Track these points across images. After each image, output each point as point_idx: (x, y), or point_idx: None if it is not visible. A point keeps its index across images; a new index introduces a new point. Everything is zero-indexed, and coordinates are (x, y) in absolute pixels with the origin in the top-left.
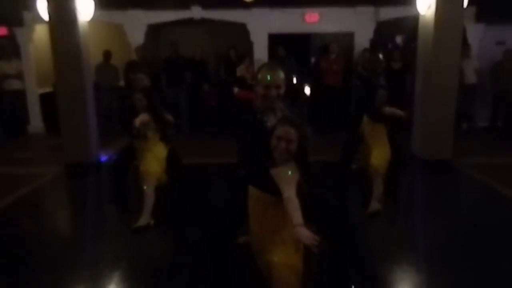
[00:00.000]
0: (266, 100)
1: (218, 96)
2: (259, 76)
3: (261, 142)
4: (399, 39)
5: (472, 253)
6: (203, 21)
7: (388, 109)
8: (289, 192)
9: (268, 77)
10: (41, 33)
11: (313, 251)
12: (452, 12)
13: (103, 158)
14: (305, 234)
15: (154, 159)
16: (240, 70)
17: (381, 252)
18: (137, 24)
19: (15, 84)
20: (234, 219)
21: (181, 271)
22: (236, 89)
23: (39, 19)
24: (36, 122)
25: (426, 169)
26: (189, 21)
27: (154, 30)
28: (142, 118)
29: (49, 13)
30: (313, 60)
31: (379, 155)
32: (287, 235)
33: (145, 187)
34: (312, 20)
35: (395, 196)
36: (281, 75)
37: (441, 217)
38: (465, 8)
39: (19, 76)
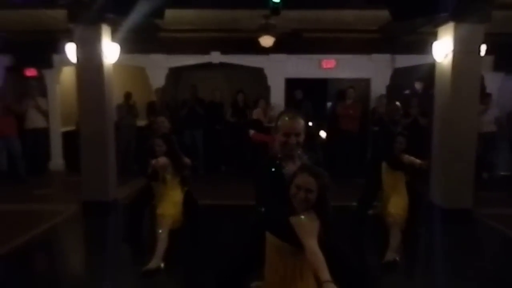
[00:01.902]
0: (286, 148)
1: (231, 136)
2: (279, 123)
3: (280, 190)
4: (418, 86)
5: None
6: (222, 65)
7: (407, 158)
8: (312, 245)
9: (289, 124)
10: (67, 74)
11: None
12: (470, 60)
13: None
14: None
15: (171, 203)
16: (257, 113)
17: None
18: (158, 67)
19: (40, 122)
20: (248, 264)
21: None
22: (251, 132)
23: (67, 61)
24: (57, 159)
25: (445, 219)
26: (209, 65)
27: (175, 73)
28: (161, 161)
29: (77, 56)
30: (329, 104)
31: (397, 203)
32: (302, 287)
33: (159, 231)
34: (329, 66)
35: (413, 246)
36: (302, 122)
37: (461, 269)
38: (483, 57)
39: (44, 114)
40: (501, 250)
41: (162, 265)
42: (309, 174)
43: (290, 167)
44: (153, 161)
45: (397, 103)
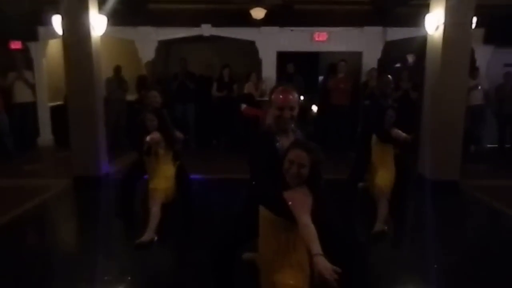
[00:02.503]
0: (280, 122)
1: (219, 111)
2: (273, 96)
3: (273, 164)
4: (410, 59)
5: (479, 276)
6: (213, 38)
7: (395, 132)
8: (305, 219)
9: (283, 98)
10: (54, 47)
11: (331, 285)
12: (460, 33)
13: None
14: (325, 266)
15: (164, 177)
16: (248, 87)
17: (387, 274)
18: (148, 40)
19: (26, 96)
20: (241, 236)
21: (184, 286)
22: (243, 106)
23: (53, 34)
24: (46, 134)
25: (433, 190)
26: (199, 38)
27: (165, 47)
28: (153, 136)
29: (63, 29)
30: (320, 78)
31: (384, 176)
32: (296, 259)
33: (152, 205)
34: (321, 39)
35: (401, 218)
36: (296, 96)
37: (448, 239)
38: (474, 30)
39: (31, 88)
40: (486, 221)
41: (155, 238)
42: (302, 149)
43: (283, 142)
44: (148, 138)
45: (389, 76)
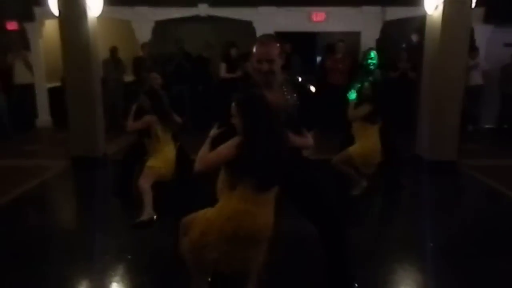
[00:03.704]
0: (260, 75)
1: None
2: (253, 49)
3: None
4: (414, 38)
5: (475, 254)
6: (210, 18)
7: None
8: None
9: (260, 50)
10: (50, 28)
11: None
12: (460, 12)
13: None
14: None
15: (164, 159)
16: (247, 67)
17: (383, 251)
18: (144, 20)
19: (26, 78)
20: None
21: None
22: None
23: (49, 14)
24: (44, 115)
25: (430, 170)
26: (196, 18)
27: (161, 27)
28: (146, 119)
29: (59, 9)
30: (318, 59)
31: (357, 148)
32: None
33: (142, 183)
34: (319, 19)
35: (393, 194)
36: (275, 48)
37: (445, 218)
38: (473, 9)
39: (30, 69)
40: (483, 201)
41: (154, 217)
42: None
43: (267, 94)
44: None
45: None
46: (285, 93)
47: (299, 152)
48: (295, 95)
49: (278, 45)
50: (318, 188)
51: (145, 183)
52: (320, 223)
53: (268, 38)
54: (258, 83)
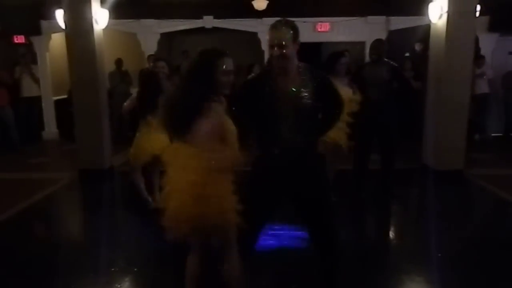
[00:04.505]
0: (273, 61)
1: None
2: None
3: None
4: (418, 47)
5: (483, 264)
6: (215, 30)
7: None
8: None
9: (271, 35)
10: (57, 41)
11: None
12: (464, 21)
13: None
14: None
15: (137, 145)
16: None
17: (391, 263)
18: (150, 33)
19: (33, 91)
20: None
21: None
22: None
23: (56, 28)
24: (50, 128)
25: (437, 180)
26: (201, 30)
27: (166, 39)
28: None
29: (65, 22)
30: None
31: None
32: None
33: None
34: (323, 29)
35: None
36: (287, 33)
37: (452, 228)
38: (478, 18)
39: (37, 83)
40: (491, 210)
41: (149, 199)
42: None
43: (282, 83)
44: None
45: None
46: (302, 80)
47: (315, 148)
48: (314, 84)
49: (291, 30)
50: (322, 204)
51: (134, 174)
52: (315, 239)
53: (280, 23)
54: (275, 69)
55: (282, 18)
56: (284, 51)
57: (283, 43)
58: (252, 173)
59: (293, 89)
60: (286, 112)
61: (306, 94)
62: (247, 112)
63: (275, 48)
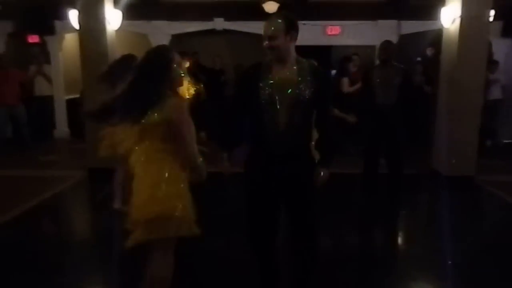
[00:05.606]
0: (267, 53)
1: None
2: None
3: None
4: (429, 52)
5: (494, 272)
6: (226, 32)
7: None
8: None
9: (263, 28)
10: (70, 41)
11: None
12: (477, 26)
13: None
14: None
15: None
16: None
17: (400, 269)
18: (161, 34)
19: (46, 90)
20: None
21: (192, 275)
22: None
23: (69, 28)
24: (62, 127)
25: (448, 186)
26: (212, 32)
27: (177, 40)
28: None
29: (79, 22)
30: (333, 72)
31: None
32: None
33: None
34: (334, 32)
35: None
36: (277, 26)
37: (463, 235)
38: (491, 23)
39: (50, 82)
40: (502, 217)
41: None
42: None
43: (278, 73)
44: None
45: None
46: (298, 72)
47: (309, 150)
48: (311, 77)
49: (283, 22)
50: (308, 205)
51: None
52: (296, 238)
53: (274, 15)
54: (271, 60)
55: (276, 13)
56: (273, 43)
57: (272, 35)
58: (246, 174)
59: (288, 80)
60: (281, 102)
61: (301, 86)
62: (243, 102)
63: (265, 40)
